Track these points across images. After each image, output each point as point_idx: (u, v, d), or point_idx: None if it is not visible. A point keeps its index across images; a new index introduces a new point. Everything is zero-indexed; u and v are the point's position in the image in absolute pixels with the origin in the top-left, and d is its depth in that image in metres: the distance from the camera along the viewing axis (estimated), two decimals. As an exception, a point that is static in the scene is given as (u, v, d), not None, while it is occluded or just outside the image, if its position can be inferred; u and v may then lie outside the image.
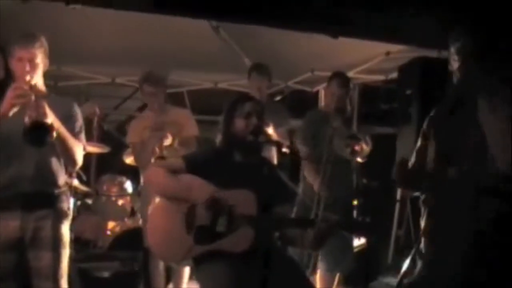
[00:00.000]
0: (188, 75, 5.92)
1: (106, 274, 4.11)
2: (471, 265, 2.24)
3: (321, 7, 3.50)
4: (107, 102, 6.85)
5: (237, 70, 5.29)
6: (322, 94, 6.03)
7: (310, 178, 4.04)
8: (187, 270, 4.12)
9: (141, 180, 4.42)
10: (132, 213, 5.15)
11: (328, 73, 4.43)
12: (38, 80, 2.74)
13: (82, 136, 2.87)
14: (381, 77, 5.70)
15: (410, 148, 2.74)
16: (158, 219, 2.75)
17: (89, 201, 5.10)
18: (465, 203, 2.25)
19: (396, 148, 4.61)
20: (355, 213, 4.13)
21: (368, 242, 4.20)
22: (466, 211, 2.25)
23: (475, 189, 2.24)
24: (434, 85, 4.04)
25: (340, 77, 4.22)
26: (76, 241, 4.25)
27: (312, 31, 4.04)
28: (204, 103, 6.13)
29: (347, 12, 3.56)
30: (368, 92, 6.18)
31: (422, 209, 2.50)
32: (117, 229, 4.96)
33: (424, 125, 2.56)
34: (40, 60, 2.74)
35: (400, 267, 3.44)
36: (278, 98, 6.58)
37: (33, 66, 2.70)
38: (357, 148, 3.79)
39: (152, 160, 3.88)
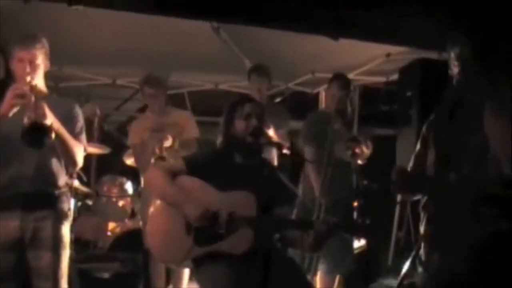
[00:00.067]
0: (189, 76, 5.92)
1: (106, 275, 4.11)
2: (471, 271, 2.23)
3: (322, 9, 3.50)
4: (107, 103, 6.86)
5: (237, 72, 5.29)
6: (322, 95, 6.03)
7: (312, 179, 4.04)
8: (187, 271, 4.12)
9: (142, 181, 4.42)
10: (133, 214, 5.15)
11: (329, 75, 4.42)
12: (38, 81, 2.75)
13: (83, 137, 2.87)
14: (381, 79, 5.70)
15: (410, 150, 2.74)
16: (158, 220, 2.76)
17: (90, 202, 5.09)
18: (465, 209, 2.24)
19: (396, 150, 4.62)
20: (355, 214, 4.12)
21: (368, 243, 4.20)
22: (466, 217, 2.24)
23: (475, 195, 2.23)
24: (435, 87, 4.04)
25: (340, 79, 4.22)
26: (77, 242, 4.25)
27: (312, 33, 4.04)
28: (204, 104, 6.13)
29: (348, 14, 3.56)
30: (369, 93, 6.17)
31: (422, 215, 2.49)
32: (118, 230, 4.96)
33: (424, 129, 2.55)
34: (41, 61, 2.74)
35: (400, 269, 3.42)
36: (278, 99, 6.58)
37: (34, 67, 2.70)
38: (357, 150, 3.80)
39: (152, 160, 3.89)
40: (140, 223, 4.52)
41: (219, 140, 2.90)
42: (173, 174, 2.72)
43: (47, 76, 2.87)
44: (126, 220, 5.06)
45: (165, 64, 4.91)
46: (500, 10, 2.79)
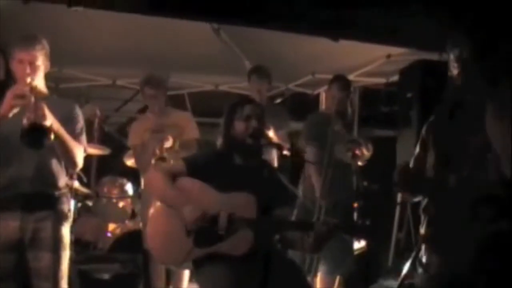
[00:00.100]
0: (189, 77, 5.92)
1: (106, 276, 4.11)
2: (471, 272, 2.23)
3: (322, 10, 3.50)
4: (108, 104, 6.86)
5: (237, 73, 5.29)
6: (322, 97, 6.03)
7: (314, 180, 4.04)
8: (187, 273, 4.11)
9: (142, 182, 4.42)
10: (133, 215, 5.14)
11: (329, 76, 4.43)
12: (39, 82, 2.74)
13: (83, 138, 2.87)
14: (382, 80, 5.70)
15: (410, 151, 2.73)
16: (158, 222, 2.76)
17: (90, 203, 5.09)
18: (465, 210, 2.24)
19: (397, 151, 4.62)
20: (355, 215, 4.11)
21: (368, 245, 4.19)
22: (466, 220, 2.24)
23: (475, 196, 2.23)
24: (435, 88, 4.04)
25: (341, 80, 4.22)
26: (77, 243, 4.24)
27: (312, 34, 4.04)
28: (204, 105, 6.13)
29: (348, 15, 3.57)
30: (369, 95, 6.18)
31: (422, 218, 2.49)
32: (118, 231, 4.95)
33: (423, 131, 2.55)
34: (41, 62, 2.74)
35: (400, 270, 3.43)
36: (278, 100, 6.58)
37: (34, 68, 2.70)
38: (358, 152, 3.79)
39: (153, 161, 3.89)
40: (140, 224, 4.52)
41: (219, 141, 2.90)
42: (173, 175, 2.72)
43: (48, 77, 2.87)
44: (126, 221, 5.05)
45: (165, 65, 4.90)
46: (500, 10, 2.79)
